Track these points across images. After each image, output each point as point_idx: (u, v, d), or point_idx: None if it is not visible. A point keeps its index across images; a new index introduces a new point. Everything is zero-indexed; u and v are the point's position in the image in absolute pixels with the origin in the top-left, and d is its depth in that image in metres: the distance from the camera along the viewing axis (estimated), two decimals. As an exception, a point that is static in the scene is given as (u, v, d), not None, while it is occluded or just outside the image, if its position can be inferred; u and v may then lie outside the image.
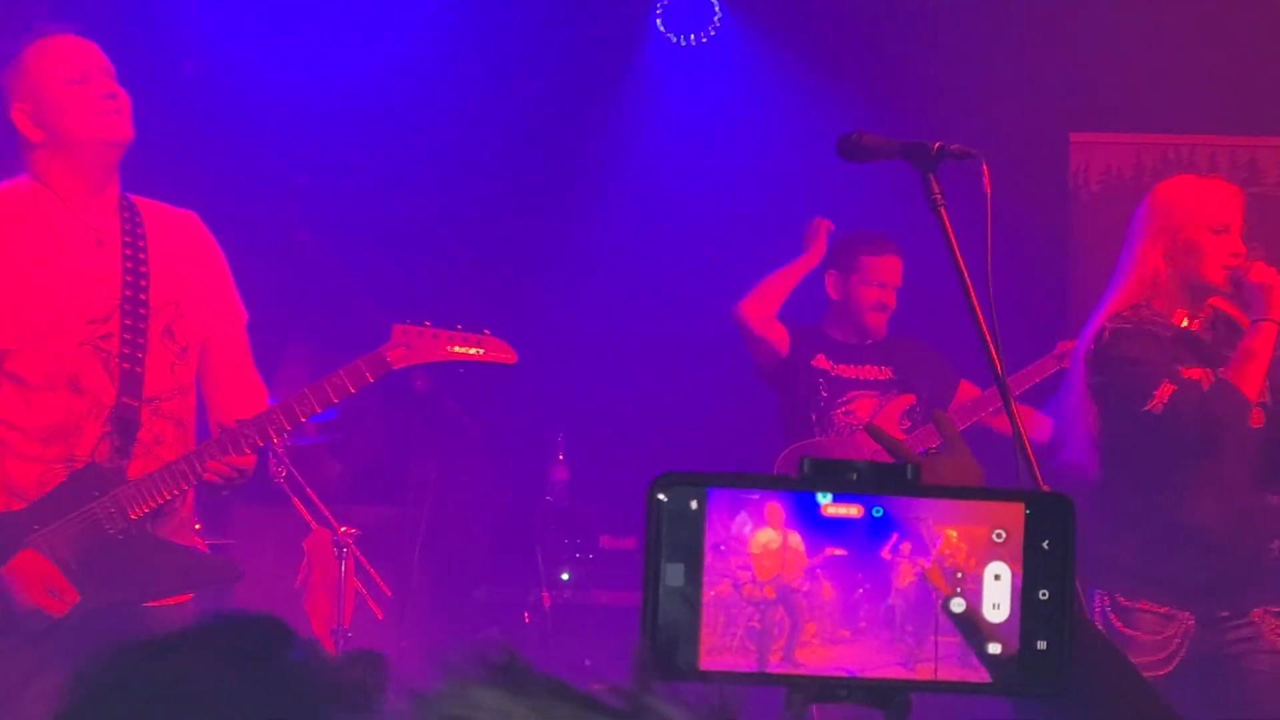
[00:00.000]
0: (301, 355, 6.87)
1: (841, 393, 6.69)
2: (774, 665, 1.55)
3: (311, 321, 7.20)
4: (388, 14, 7.95)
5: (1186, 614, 5.37)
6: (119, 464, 4.69)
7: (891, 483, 1.56)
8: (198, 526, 5.11)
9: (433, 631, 6.82)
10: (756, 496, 1.55)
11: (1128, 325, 5.42)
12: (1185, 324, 5.43)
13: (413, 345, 4.96)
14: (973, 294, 3.90)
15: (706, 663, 1.53)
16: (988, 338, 3.88)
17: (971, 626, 1.54)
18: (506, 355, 5.07)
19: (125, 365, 4.72)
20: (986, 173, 3.98)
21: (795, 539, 1.55)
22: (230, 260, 4.99)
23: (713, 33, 8.22)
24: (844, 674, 1.56)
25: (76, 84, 4.77)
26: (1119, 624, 5.37)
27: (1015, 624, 1.54)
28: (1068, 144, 8.14)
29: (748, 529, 1.54)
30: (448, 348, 4.98)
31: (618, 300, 7.94)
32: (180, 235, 4.95)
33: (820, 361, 6.67)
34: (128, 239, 4.83)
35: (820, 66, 7.97)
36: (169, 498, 4.68)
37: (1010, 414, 3.87)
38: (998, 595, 1.54)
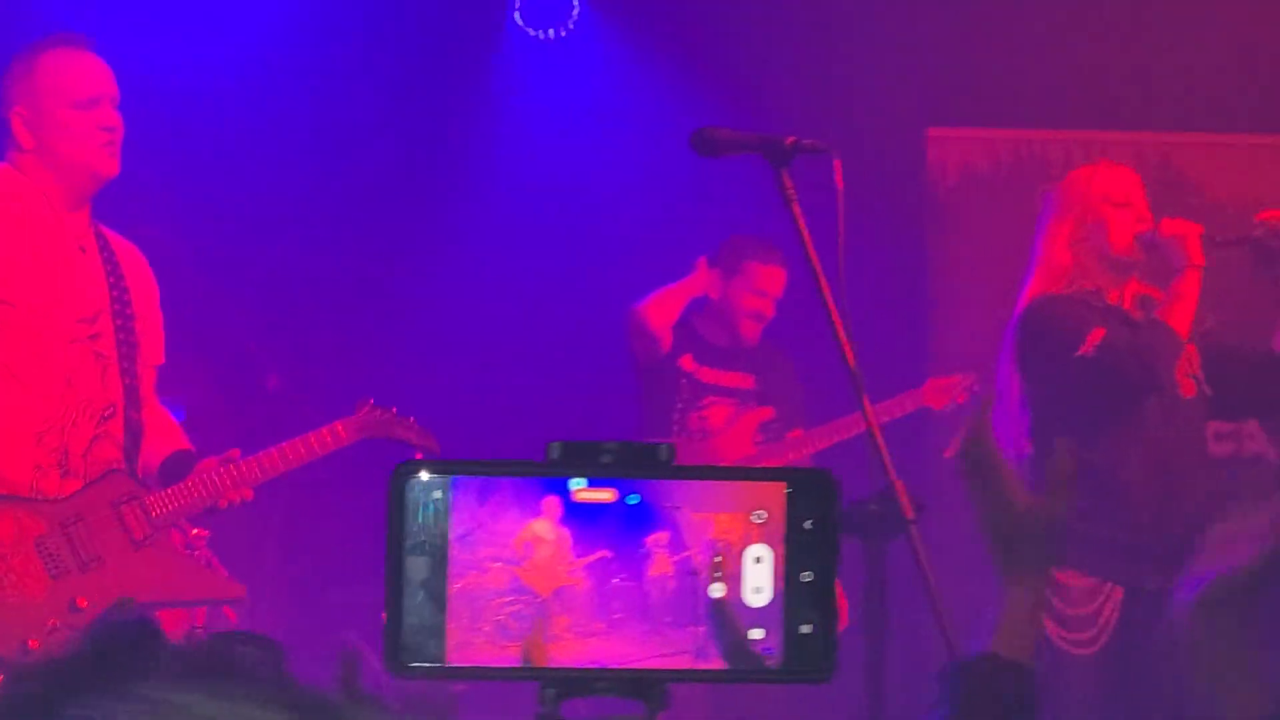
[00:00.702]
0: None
1: (700, 396, 6.68)
2: (526, 659, 1.49)
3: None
4: (232, 12, 7.85)
5: (1114, 586, 5.41)
6: (131, 469, 4.76)
7: (645, 465, 1.49)
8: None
9: (288, 632, 6.75)
10: (505, 483, 1.48)
11: (1059, 295, 5.53)
12: (1116, 302, 5.51)
13: (368, 421, 5.09)
14: (825, 288, 3.92)
15: (455, 658, 1.47)
16: (840, 333, 3.89)
17: (732, 613, 1.48)
18: (431, 447, 5.21)
19: (126, 380, 4.76)
20: (839, 167, 4.00)
21: (543, 527, 1.49)
22: None
23: (572, 26, 8.20)
24: (598, 667, 1.50)
25: (83, 109, 4.75)
26: (1051, 598, 5.41)
27: (778, 608, 1.48)
28: (925, 139, 8.18)
29: (500, 517, 1.48)
30: (393, 431, 5.14)
31: (482, 296, 7.89)
32: (135, 262, 4.99)
33: (687, 362, 6.64)
34: (104, 253, 4.86)
35: (679, 60, 7.97)
36: (199, 510, 4.78)
37: (862, 407, 3.89)
38: (759, 579, 1.48)
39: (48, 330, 4.64)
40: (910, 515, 3.77)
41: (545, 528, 1.48)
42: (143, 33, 7.27)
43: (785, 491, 1.48)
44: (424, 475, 1.46)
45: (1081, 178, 5.66)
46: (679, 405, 6.65)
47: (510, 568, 1.47)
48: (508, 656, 1.49)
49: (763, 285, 6.68)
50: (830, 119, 7.04)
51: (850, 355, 3.89)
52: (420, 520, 1.46)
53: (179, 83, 7.40)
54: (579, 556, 1.49)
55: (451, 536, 1.46)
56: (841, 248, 3.97)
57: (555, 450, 1.49)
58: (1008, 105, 8.09)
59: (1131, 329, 5.36)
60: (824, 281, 3.92)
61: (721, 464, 5.65)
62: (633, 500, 1.48)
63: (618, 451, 1.49)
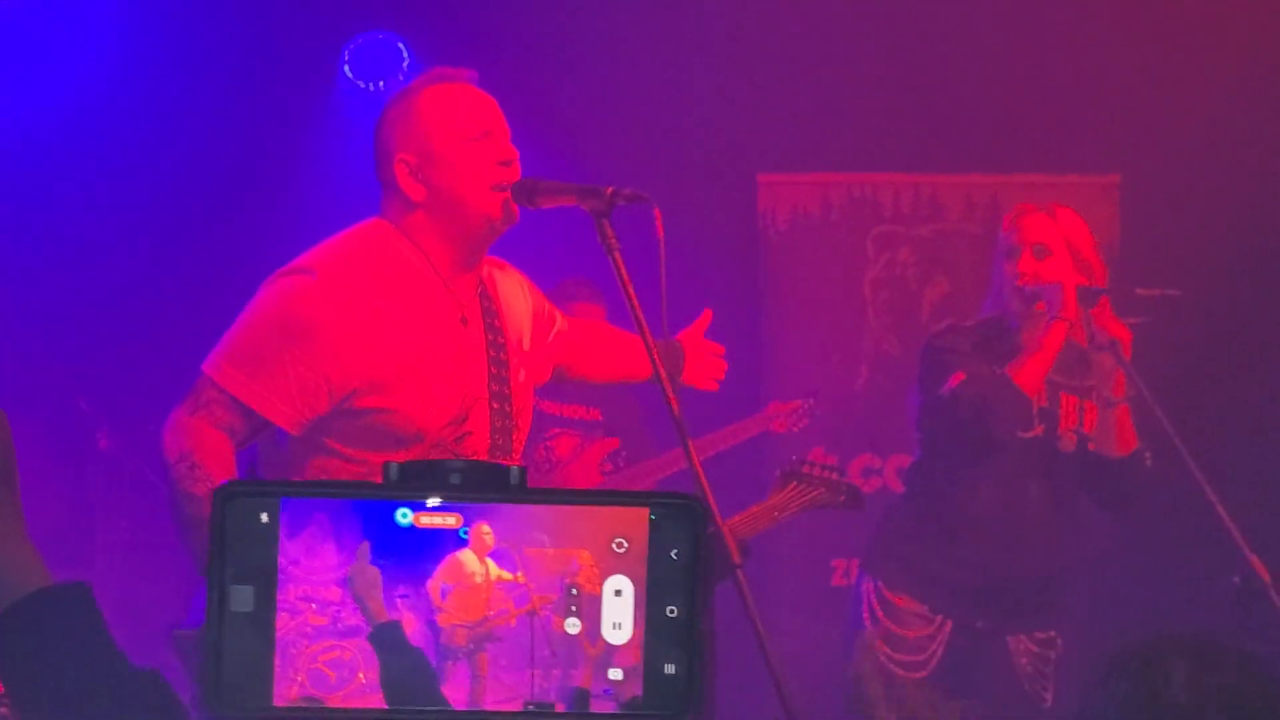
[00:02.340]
0: None
1: (545, 428, 6.67)
2: (360, 700, 1.35)
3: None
4: (63, 51, 7.77)
5: (944, 619, 5.44)
6: None
7: (494, 487, 1.36)
8: None
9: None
10: (338, 507, 1.34)
11: (959, 326, 5.59)
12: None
13: None
14: (648, 335, 3.92)
15: (281, 697, 1.33)
16: (664, 379, 3.89)
17: (591, 651, 1.36)
18: None
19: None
20: (659, 216, 4.00)
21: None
22: None
23: (401, 78, 8.17)
24: (441, 710, 1.36)
25: (475, 141, 4.20)
26: (883, 616, 5.44)
27: (639, 645, 1.36)
28: (756, 185, 8.23)
29: (321, 549, 1.34)
30: None
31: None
32: (515, 293, 4.50)
33: None
34: (487, 317, 4.30)
35: (508, 110, 7.96)
36: None
37: (688, 453, 3.89)
38: (619, 613, 1.35)
39: (412, 438, 4.08)
40: (737, 560, 3.77)
41: (365, 551, 1.34)
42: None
43: (649, 518, 1.35)
44: (249, 496, 1.32)
45: (1016, 213, 5.67)
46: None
47: (330, 607, 1.33)
48: (341, 697, 1.35)
49: None
50: (659, 168, 7.07)
51: (674, 401, 3.89)
52: (246, 545, 1.32)
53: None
54: (411, 595, 1.35)
55: (280, 564, 1.32)
56: (664, 295, 3.96)
57: (393, 470, 1.35)
58: (837, 150, 8.16)
59: (989, 378, 5.37)
60: (645, 329, 3.92)
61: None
62: (464, 534, 1.34)
63: (465, 471, 1.35)
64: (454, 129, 4.20)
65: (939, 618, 5.45)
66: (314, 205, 7.96)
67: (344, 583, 1.33)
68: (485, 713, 1.36)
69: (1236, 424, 7.71)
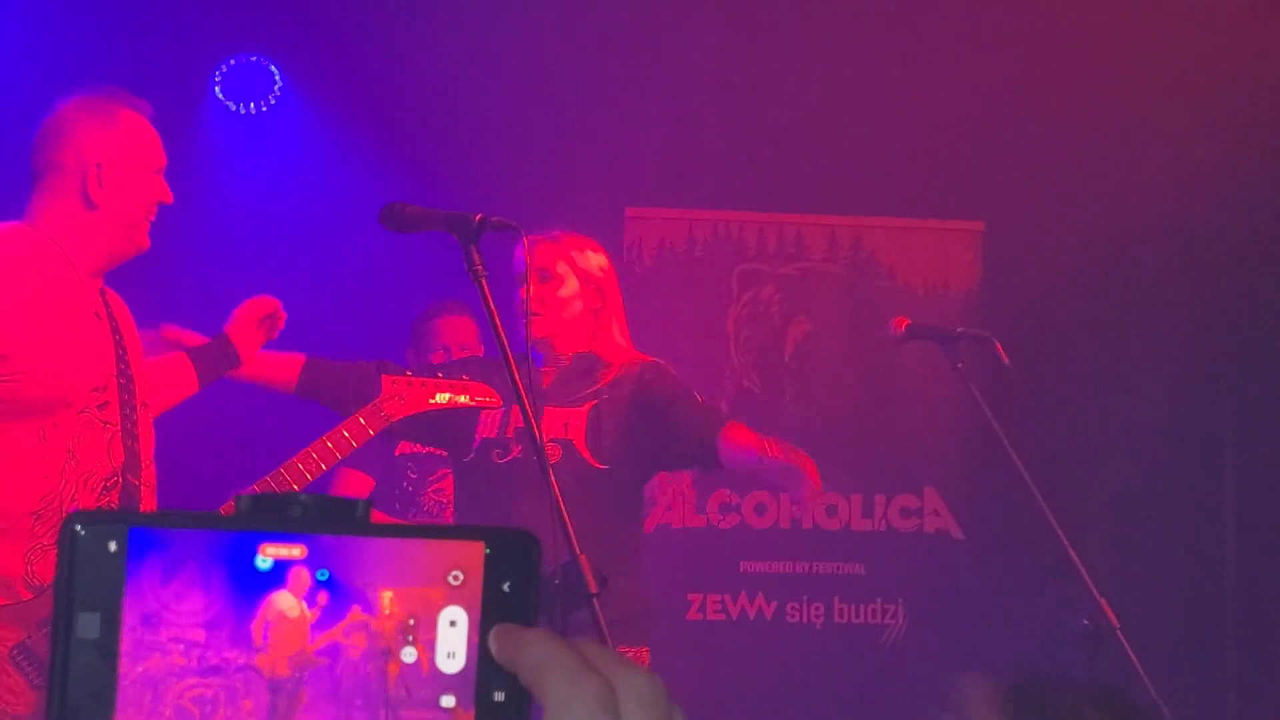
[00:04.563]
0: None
1: (432, 471, 6.56)
2: None
3: None
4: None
5: None
6: None
7: (338, 520, 1.38)
8: None
9: None
10: (188, 538, 1.34)
11: None
12: None
13: (404, 396, 4.95)
14: (512, 362, 3.96)
15: None
16: (527, 406, 3.93)
17: (423, 679, 1.38)
18: (493, 398, 5.04)
19: (128, 441, 4.47)
20: (527, 244, 4.06)
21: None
22: None
23: (273, 101, 8.15)
24: None
25: (155, 175, 4.62)
26: None
27: (471, 674, 1.38)
28: (623, 218, 8.27)
29: (172, 580, 1.33)
30: (435, 395, 4.98)
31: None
32: (129, 322, 4.77)
33: (405, 447, 6.53)
34: (111, 318, 4.63)
35: (380, 136, 7.98)
36: None
37: (548, 479, 3.92)
38: (453, 643, 1.38)
39: (59, 402, 4.35)
40: (594, 589, 3.81)
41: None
42: None
43: (484, 552, 1.38)
44: (95, 524, 1.30)
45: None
46: (408, 489, 6.50)
47: (195, 648, 1.32)
48: None
49: (446, 340, 6.58)
50: (529, 197, 7.10)
51: (536, 429, 3.93)
52: (92, 573, 1.30)
53: None
54: (252, 634, 1.34)
55: (126, 595, 1.31)
56: (529, 321, 4.01)
57: (244, 502, 1.35)
58: (704, 187, 8.22)
59: None
60: (510, 356, 3.96)
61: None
62: (322, 576, 1.35)
63: (310, 505, 1.35)
64: (145, 156, 4.58)
65: None
66: (178, 222, 7.93)
67: (209, 625, 1.33)
68: None
69: (1088, 463, 7.85)
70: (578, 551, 3.83)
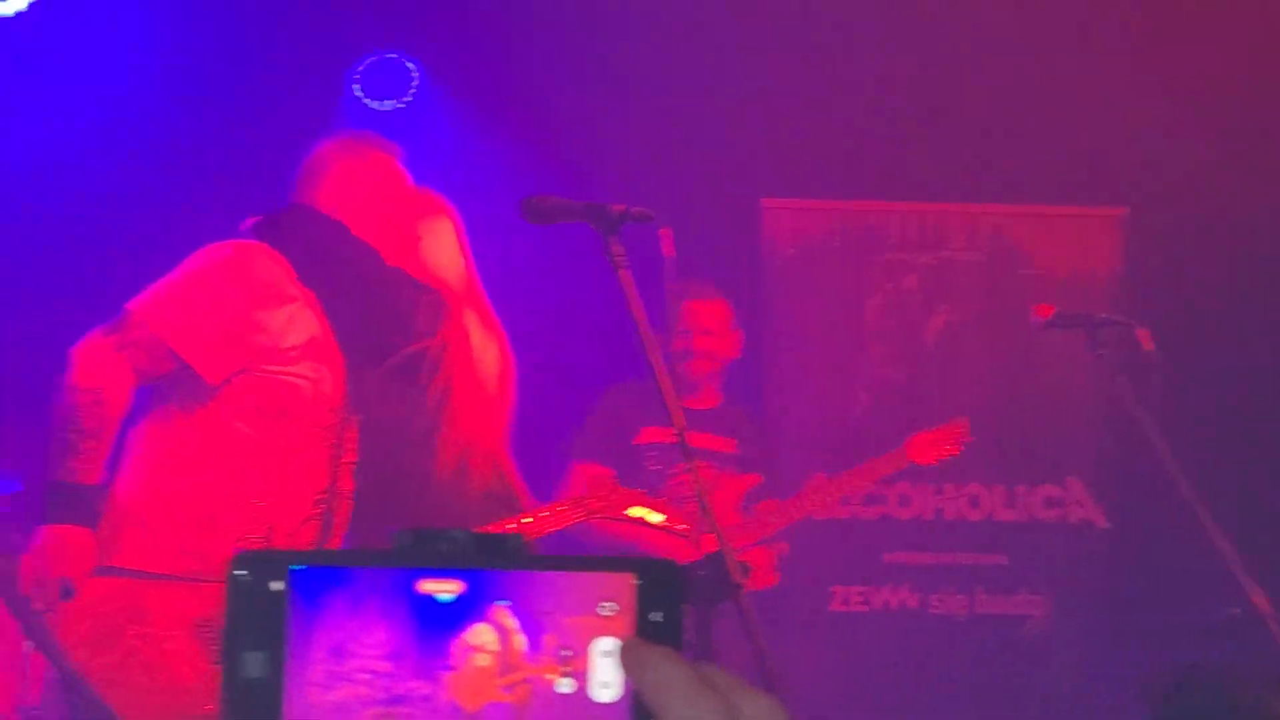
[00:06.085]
0: None
1: (674, 462, 6.32)
2: None
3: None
4: (73, 74, 7.80)
5: None
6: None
7: (493, 554, 1.41)
8: None
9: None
10: (350, 576, 1.38)
11: None
12: None
13: (609, 501, 5.06)
14: (656, 358, 3.95)
15: None
16: (669, 401, 3.92)
17: (580, 710, 1.39)
18: (685, 526, 5.14)
19: (347, 458, 4.68)
20: (668, 236, 4.04)
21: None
22: None
23: (410, 98, 8.20)
24: None
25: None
26: None
27: (626, 704, 1.39)
28: (760, 210, 8.25)
29: (347, 614, 1.37)
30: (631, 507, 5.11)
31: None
32: None
33: (646, 435, 6.55)
34: None
35: (518, 129, 8.00)
36: None
37: (695, 477, 3.91)
38: (607, 673, 1.39)
39: (309, 413, 4.60)
40: (738, 580, 3.80)
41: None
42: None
43: (634, 583, 1.40)
44: (260, 563, 1.36)
45: None
46: (652, 479, 6.35)
47: (381, 678, 1.35)
48: None
49: (689, 324, 6.53)
50: (666, 189, 7.09)
51: (678, 421, 3.92)
52: (257, 611, 1.35)
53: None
54: (430, 666, 1.38)
55: (291, 632, 1.36)
56: (667, 314, 4.00)
57: (405, 538, 1.39)
58: (842, 177, 8.19)
59: None
60: (652, 349, 3.95)
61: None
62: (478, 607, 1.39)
63: (463, 540, 1.39)
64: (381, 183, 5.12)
65: None
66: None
67: (392, 656, 1.37)
68: None
69: (1243, 452, 7.75)
70: (724, 542, 3.81)
